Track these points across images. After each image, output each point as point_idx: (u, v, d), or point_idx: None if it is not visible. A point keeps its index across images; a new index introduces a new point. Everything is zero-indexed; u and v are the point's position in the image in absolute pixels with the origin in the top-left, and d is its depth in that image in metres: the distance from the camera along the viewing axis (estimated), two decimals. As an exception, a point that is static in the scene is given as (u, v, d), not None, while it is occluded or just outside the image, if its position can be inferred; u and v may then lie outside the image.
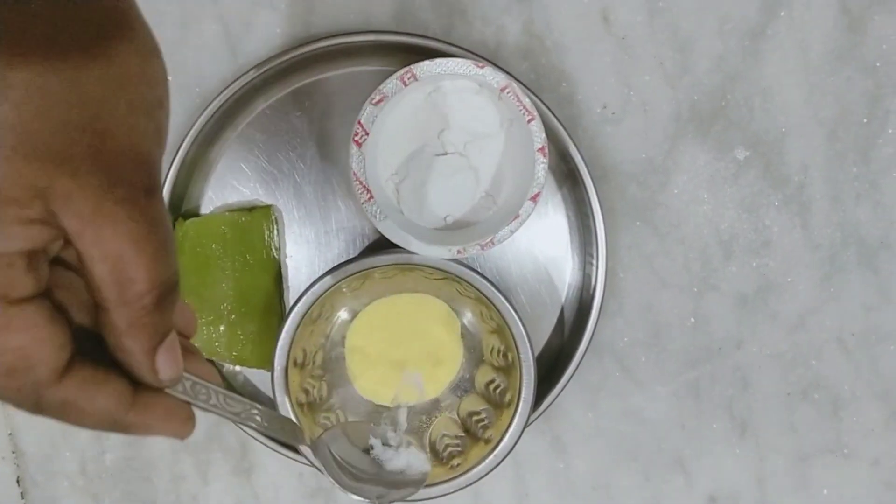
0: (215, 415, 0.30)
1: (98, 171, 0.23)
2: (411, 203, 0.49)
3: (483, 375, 0.53)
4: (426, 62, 0.44)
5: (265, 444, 0.55)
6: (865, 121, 0.53)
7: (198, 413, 0.58)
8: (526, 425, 0.49)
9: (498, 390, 0.52)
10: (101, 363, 0.26)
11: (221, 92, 0.50)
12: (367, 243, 0.54)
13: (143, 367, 0.26)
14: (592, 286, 0.53)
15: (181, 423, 0.28)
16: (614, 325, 0.55)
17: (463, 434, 0.53)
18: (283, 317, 0.53)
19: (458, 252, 0.47)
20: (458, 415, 0.54)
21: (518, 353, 0.49)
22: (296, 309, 0.48)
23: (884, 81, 0.53)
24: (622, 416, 0.56)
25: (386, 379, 0.54)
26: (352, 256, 0.49)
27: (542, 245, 0.54)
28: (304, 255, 0.54)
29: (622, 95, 0.53)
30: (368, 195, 0.46)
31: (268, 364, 0.54)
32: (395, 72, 0.45)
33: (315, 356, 0.53)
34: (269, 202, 0.53)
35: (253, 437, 0.55)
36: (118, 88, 0.24)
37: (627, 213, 0.54)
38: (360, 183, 0.46)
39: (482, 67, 0.45)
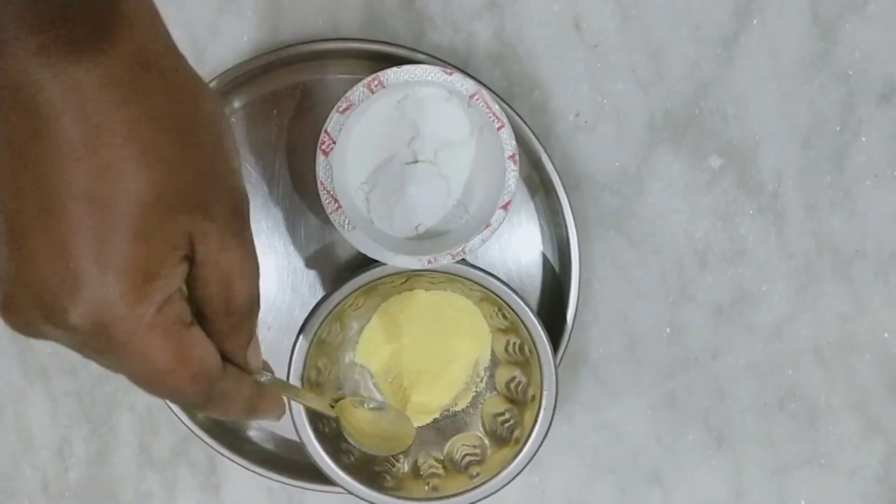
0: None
1: (221, 211, 0.28)
2: (382, 212, 0.48)
3: (502, 374, 0.53)
4: (393, 69, 0.44)
5: (233, 461, 0.54)
6: (839, 129, 0.53)
7: (165, 429, 0.57)
8: (552, 418, 0.48)
9: (520, 387, 0.51)
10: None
11: (186, 99, 0.49)
12: (336, 253, 0.53)
13: (240, 362, 0.32)
14: (566, 296, 0.52)
15: (282, 406, 0.36)
16: (589, 336, 0.54)
17: (481, 442, 0.52)
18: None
19: (429, 262, 0.46)
20: (482, 424, 0.53)
21: (535, 345, 0.48)
22: (305, 330, 0.48)
23: (856, 90, 0.52)
24: (597, 428, 0.55)
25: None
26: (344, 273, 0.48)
27: (515, 255, 0.53)
28: (273, 265, 0.53)
29: (595, 103, 0.52)
30: (336, 205, 0.45)
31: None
32: (363, 79, 0.44)
33: (329, 373, 0.52)
34: None
35: (221, 452, 0.54)
36: (209, 133, 0.28)
37: (601, 223, 0.53)
38: (328, 192, 0.45)
39: (450, 74, 0.44)
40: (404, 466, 0.52)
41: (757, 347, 0.54)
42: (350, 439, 0.50)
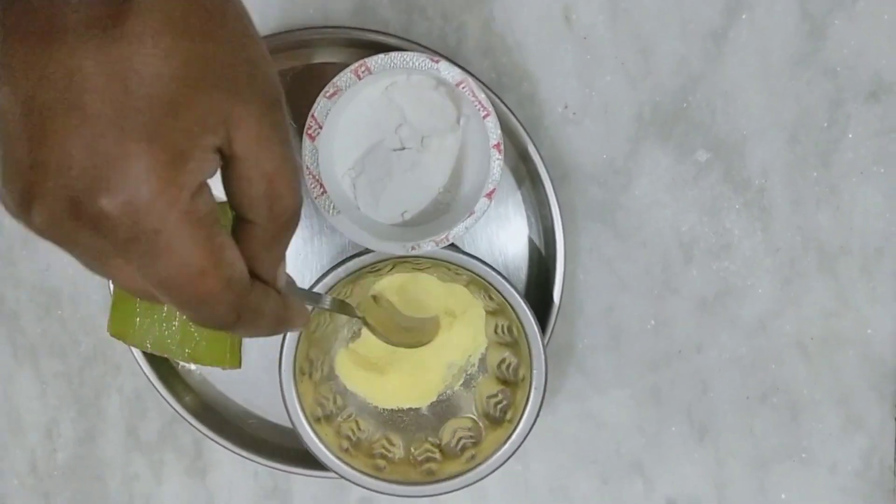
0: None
1: (257, 97, 0.26)
2: (368, 198, 0.49)
3: (493, 356, 0.53)
4: (381, 55, 0.44)
5: (220, 444, 0.54)
6: (826, 125, 0.53)
7: (153, 411, 0.57)
8: (544, 397, 0.49)
9: (510, 368, 0.51)
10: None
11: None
12: (325, 240, 0.53)
13: (271, 275, 0.30)
14: (552, 288, 0.52)
15: (307, 315, 0.34)
16: (574, 327, 0.55)
17: (475, 425, 0.53)
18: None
19: (412, 248, 0.46)
20: (476, 406, 0.53)
21: (522, 325, 0.48)
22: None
23: (844, 86, 0.53)
24: (581, 419, 0.55)
25: (379, 383, 0.54)
26: (334, 264, 0.49)
27: (502, 245, 0.54)
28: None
29: (584, 96, 0.53)
30: (321, 189, 0.45)
31: (221, 362, 0.53)
32: (351, 65, 0.45)
33: (322, 363, 0.52)
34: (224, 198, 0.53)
35: (208, 436, 0.54)
36: (238, 18, 0.27)
37: (588, 215, 0.54)
38: (313, 177, 0.45)
39: (437, 62, 0.44)
40: (400, 452, 0.52)
41: (741, 341, 0.55)
42: (378, 336, 0.50)
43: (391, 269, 0.50)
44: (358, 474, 0.50)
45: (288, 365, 0.48)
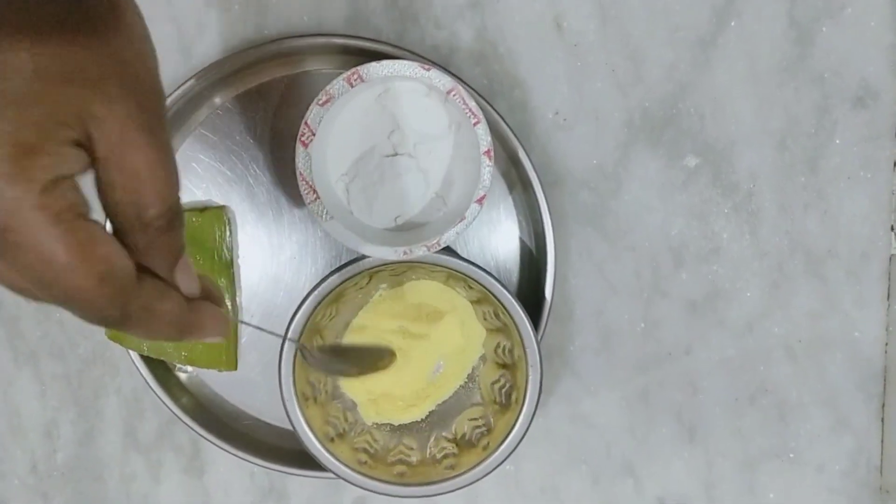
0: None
1: (123, 97, 0.26)
2: (361, 203, 0.49)
3: (489, 342, 0.54)
4: (373, 63, 0.45)
5: (216, 445, 0.55)
6: (813, 131, 0.54)
7: (150, 412, 0.57)
8: (542, 373, 0.49)
9: (506, 351, 0.52)
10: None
11: (173, 92, 0.50)
12: (319, 245, 0.54)
13: (165, 275, 0.29)
14: (543, 290, 0.53)
15: (224, 324, 0.32)
16: (564, 330, 0.55)
17: (484, 413, 0.53)
18: (234, 318, 0.54)
19: (405, 253, 0.47)
20: (481, 394, 0.54)
21: (505, 308, 0.49)
22: (283, 352, 0.49)
23: (831, 92, 0.53)
24: (572, 420, 0.56)
25: (381, 399, 0.55)
26: (324, 275, 0.49)
27: (493, 249, 0.54)
28: (258, 256, 0.54)
29: (574, 102, 0.54)
30: (314, 195, 0.46)
31: (217, 364, 0.54)
32: (343, 73, 0.46)
33: (325, 385, 0.53)
34: (222, 203, 0.54)
35: (204, 436, 0.55)
36: (121, 22, 0.27)
37: (578, 220, 0.55)
38: (307, 183, 0.46)
39: (428, 70, 0.45)
40: (418, 454, 0.53)
41: (729, 343, 0.55)
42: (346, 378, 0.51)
43: (368, 282, 0.51)
44: (382, 485, 0.50)
45: (290, 394, 0.49)
